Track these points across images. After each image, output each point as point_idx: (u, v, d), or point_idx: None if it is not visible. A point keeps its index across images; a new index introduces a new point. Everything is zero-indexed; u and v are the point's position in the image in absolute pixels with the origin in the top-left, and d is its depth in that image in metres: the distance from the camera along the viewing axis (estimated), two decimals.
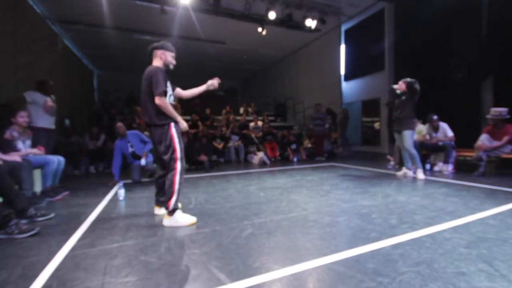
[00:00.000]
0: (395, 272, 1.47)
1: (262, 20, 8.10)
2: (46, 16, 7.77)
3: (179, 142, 2.40)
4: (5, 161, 2.79)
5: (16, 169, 2.83)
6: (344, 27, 9.87)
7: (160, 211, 2.68)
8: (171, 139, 2.37)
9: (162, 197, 2.58)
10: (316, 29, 8.66)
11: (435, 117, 5.01)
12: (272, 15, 7.61)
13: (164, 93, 2.33)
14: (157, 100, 2.29)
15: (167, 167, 2.42)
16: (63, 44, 9.06)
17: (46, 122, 4.17)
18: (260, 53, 12.19)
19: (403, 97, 4.33)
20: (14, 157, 3.00)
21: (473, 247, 1.76)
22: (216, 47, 11.25)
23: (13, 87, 5.46)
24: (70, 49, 10.15)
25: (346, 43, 9.91)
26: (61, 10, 7.69)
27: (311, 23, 8.18)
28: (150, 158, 4.55)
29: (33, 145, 3.77)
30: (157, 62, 2.46)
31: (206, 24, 8.77)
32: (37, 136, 3.94)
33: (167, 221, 2.35)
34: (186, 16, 7.97)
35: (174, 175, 2.36)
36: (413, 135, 4.42)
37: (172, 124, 2.39)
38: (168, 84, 2.44)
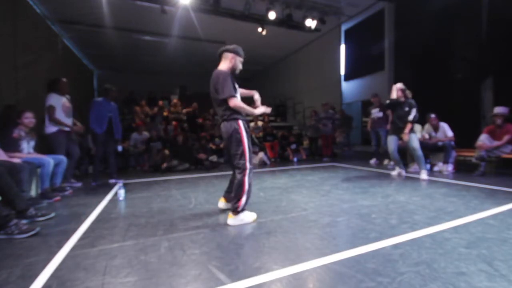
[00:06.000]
0: (395, 272, 1.47)
1: (262, 20, 8.09)
2: (46, 16, 7.76)
3: (248, 139, 2.41)
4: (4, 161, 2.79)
5: (16, 170, 2.83)
6: (344, 27, 9.86)
7: (225, 205, 2.77)
8: (240, 137, 2.37)
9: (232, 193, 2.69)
10: (316, 29, 8.64)
11: (432, 115, 5.02)
12: (272, 15, 7.59)
13: (231, 98, 2.33)
14: (231, 103, 2.32)
15: (235, 165, 2.40)
16: (63, 44, 9.06)
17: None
18: (260, 53, 12.17)
19: (406, 108, 4.33)
20: (13, 158, 3.00)
21: (473, 247, 1.76)
22: (216, 47, 11.21)
23: (13, 87, 5.46)
24: (70, 49, 10.15)
25: (346, 43, 9.90)
26: (61, 10, 7.68)
27: (311, 23, 8.16)
28: (120, 148, 4.63)
29: (50, 148, 3.84)
30: (225, 64, 2.50)
31: (206, 24, 8.76)
32: (56, 139, 3.90)
33: (232, 221, 2.34)
34: (186, 16, 7.95)
35: (244, 175, 2.34)
36: (417, 136, 4.48)
37: (240, 121, 2.39)
38: (236, 86, 2.48)
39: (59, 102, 3.97)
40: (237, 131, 2.37)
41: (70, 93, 4.30)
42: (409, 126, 4.30)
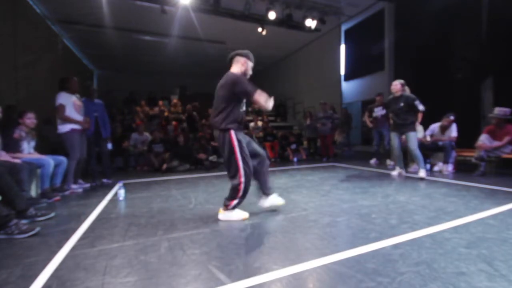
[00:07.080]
0: (395, 272, 1.47)
1: (262, 20, 8.09)
2: (46, 16, 7.77)
3: (241, 148, 2.40)
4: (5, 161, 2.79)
5: (16, 170, 2.83)
6: (344, 27, 9.86)
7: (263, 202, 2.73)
8: (231, 146, 2.39)
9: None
10: (316, 29, 8.65)
11: (452, 117, 4.96)
12: (272, 15, 7.59)
13: (255, 92, 2.39)
14: (256, 97, 2.38)
15: (229, 172, 2.44)
16: (63, 44, 9.06)
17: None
18: (260, 53, 12.15)
19: (401, 104, 4.35)
20: (14, 159, 3.01)
21: (473, 247, 1.76)
22: (216, 47, 11.24)
23: (13, 87, 5.46)
24: (70, 49, 10.15)
25: (346, 43, 9.90)
26: (61, 10, 7.69)
27: (311, 23, 8.16)
28: (110, 146, 4.61)
29: (64, 148, 3.82)
30: (237, 69, 2.53)
31: (206, 24, 8.76)
32: (69, 139, 3.80)
33: (222, 215, 2.47)
34: (186, 16, 7.96)
35: (239, 183, 2.38)
36: (416, 136, 4.47)
37: (232, 132, 2.41)
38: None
39: (70, 101, 3.86)
40: (229, 142, 2.39)
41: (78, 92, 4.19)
42: (420, 116, 4.39)
